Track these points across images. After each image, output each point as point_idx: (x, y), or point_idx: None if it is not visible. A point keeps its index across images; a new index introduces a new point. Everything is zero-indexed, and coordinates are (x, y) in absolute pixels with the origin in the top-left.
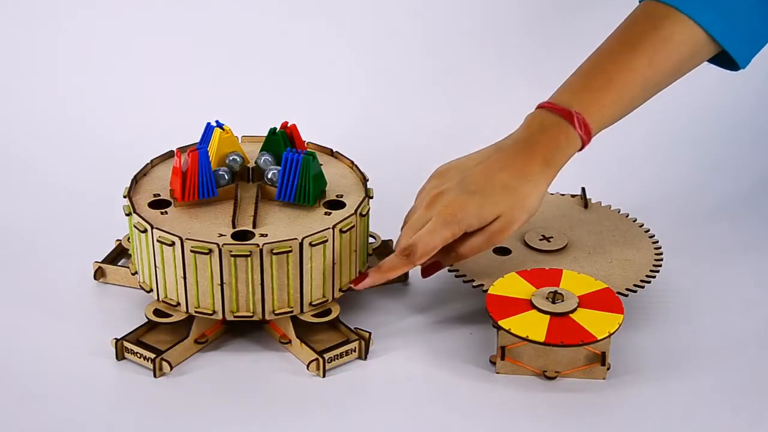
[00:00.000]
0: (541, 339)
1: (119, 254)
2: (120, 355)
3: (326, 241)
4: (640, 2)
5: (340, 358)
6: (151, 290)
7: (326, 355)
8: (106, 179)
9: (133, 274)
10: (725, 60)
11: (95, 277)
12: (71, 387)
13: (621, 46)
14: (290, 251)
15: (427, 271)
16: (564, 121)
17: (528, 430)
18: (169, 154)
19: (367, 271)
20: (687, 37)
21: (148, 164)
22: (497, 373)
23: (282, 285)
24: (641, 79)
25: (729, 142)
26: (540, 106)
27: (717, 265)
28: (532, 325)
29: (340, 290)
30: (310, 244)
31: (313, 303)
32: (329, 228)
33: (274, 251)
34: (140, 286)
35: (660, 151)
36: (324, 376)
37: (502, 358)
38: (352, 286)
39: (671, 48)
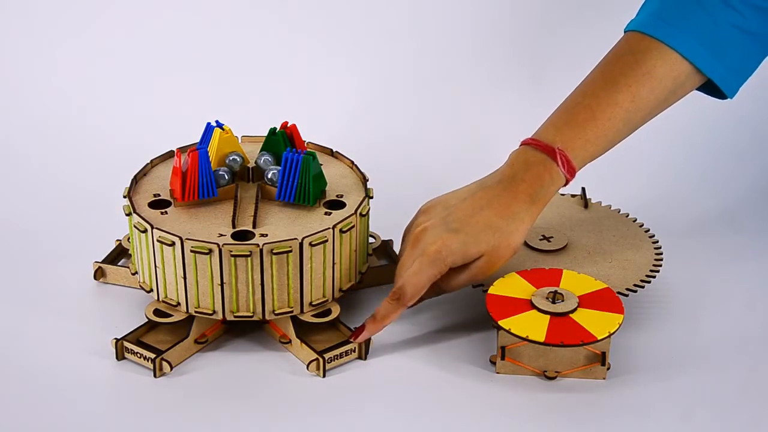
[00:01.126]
0: (541, 339)
1: (119, 254)
2: (120, 355)
3: (326, 241)
4: (625, 32)
5: (340, 358)
6: (151, 290)
7: (326, 355)
8: (106, 179)
9: (133, 274)
10: (713, 88)
11: (95, 277)
12: (71, 387)
13: (604, 82)
14: (290, 251)
15: (413, 304)
16: (548, 159)
17: (528, 430)
18: (169, 154)
19: (364, 324)
20: (670, 70)
21: (148, 164)
22: (497, 373)
23: (282, 285)
24: (624, 114)
25: (729, 142)
26: (524, 143)
27: (717, 265)
28: (532, 325)
29: (340, 290)
30: (310, 244)
31: (313, 303)
32: (329, 228)
33: (274, 251)
34: (140, 286)
35: (660, 151)
36: (324, 376)
37: (502, 358)
38: (351, 340)
39: (654, 82)
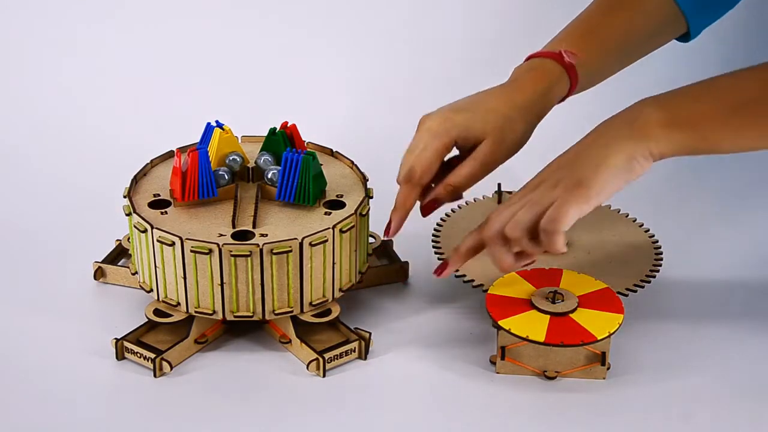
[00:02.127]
0: (541, 339)
1: (119, 254)
2: (120, 355)
3: (326, 241)
4: None
5: (340, 358)
6: (151, 290)
7: (326, 355)
8: (106, 179)
9: (133, 274)
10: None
11: (95, 277)
12: (71, 387)
13: (601, 10)
14: (290, 251)
15: (426, 208)
16: (552, 61)
17: (528, 430)
18: (169, 154)
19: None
20: (657, 7)
21: (147, 164)
22: (497, 373)
23: (282, 285)
24: (619, 37)
25: None
26: (527, 58)
27: (717, 265)
28: (532, 325)
29: (340, 290)
30: (310, 244)
31: (313, 303)
32: (329, 228)
33: (274, 251)
34: (140, 286)
35: None
36: (324, 375)
37: (502, 358)
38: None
39: (645, 15)
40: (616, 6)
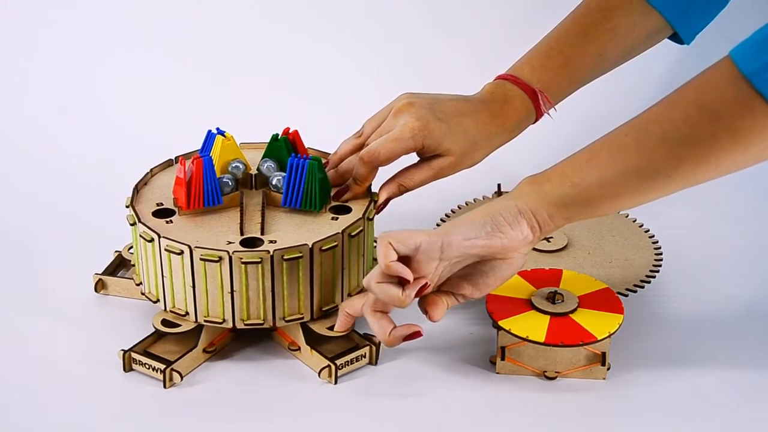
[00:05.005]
0: (541, 339)
1: (119, 265)
2: (128, 366)
3: (336, 246)
4: None
5: (351, 364)
6: (158, 300)
7: (338, 362)
8: (104, 189)
9: (137, 285)
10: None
11: (96, 290)
12: (80, 400)
13: (576, 32)
14: (301, 257)
15: (379, 209)
16: (525, 96)
17: (528, 430)
18: (168, 163)
19: (347, 186)
20: (633, 28)
21: (148, 173)
22: (497, 373)
23: (293, 291)
24: (593, 64)
25: None
26: (502, 77)
27: (717, 265)
28: (532, 325)
29: (349, 295)
30: (321, 250)
31: (323, 309)
32: (338, 233)
33: (284, 257)
34: (146, 296)
35: None
36: (336, 382)
37: (502, 358)
38: (331, 198)
39: (618, 39)
40: (591, 31)
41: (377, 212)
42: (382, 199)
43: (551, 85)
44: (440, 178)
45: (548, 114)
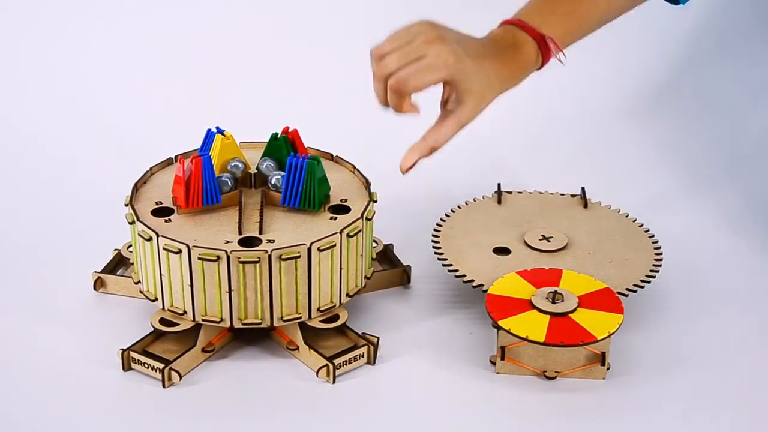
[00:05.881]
0: (541, 339)
1: (118, 264)
2: (126, 365)
3: (334, 246)
4: None
5: (349, 363)
6: (156, 299)
7: (336, 361)
8: (103, 188)
9: (136, 283)
10: None
11: (95, 288)
12: (79, 399)
13: None
14: (299, 257)
15: (408, 170)
16: (534, 43)
17: (528, 430)
18: (168, 162)
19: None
20: None
21: (147, 172)
22: (497, 373)
23: (290, 291)
24: (599, 12)
25: (729, 142)
26: (510, 22)
27: (717, 265)
28: (532, 325)
29: (347, 295)
30: (319, 249)
31: (321, 309)
32: (337, 233)
33: (282, 257)
34: (144, 295)
35: (660, 151)
36: (334, 382)
37: (502, 358)
38: (402, 172)
39: None
40: None
41: (405, 172)
42: (413, 160)
43: (559, 30)
44: (463, 127)
45: (559, 60)
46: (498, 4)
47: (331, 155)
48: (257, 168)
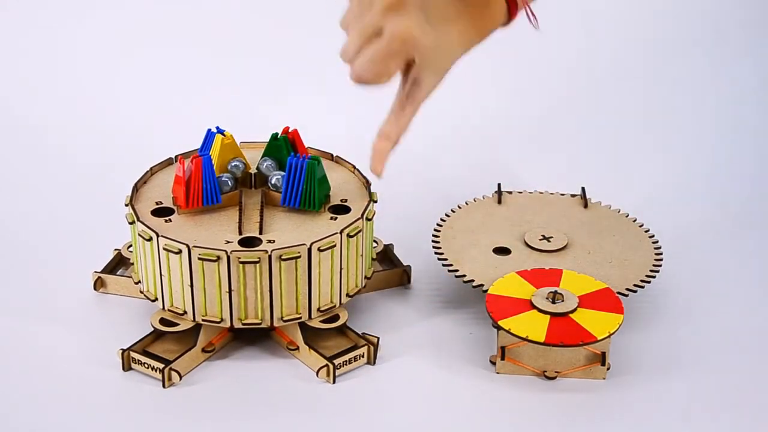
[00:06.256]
0: (541, 339)
1: (118, 263)
2: (127, 365)
3: (334, 246)
4: None
5: (349, 363)
6: (156, 299)
7: (336, 361)
8: (103, 188)
9: (136, 283)
10: None
11: (95, 288)
12: (78, 399)
13: None
14: (299, 257)
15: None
16: (504, 2)
17: (528, 430)
18: (168, 162)
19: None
20: None
21: (147, 172)
22: (497, 373)
23: (290, 291)
24: None
25: (729, 142)
26: None
27: (717, 265)
28: (532, 325)
29: (348, 295)
30: (319, 249)
31: (321, 309)
32: (337, 233)
33: (282, 257)
34: (144, 295)
35: (660, 151)
36: (334, 382)
37: (502, 358)
38: (376, 173)
39: None
40: None
41: (381, 175)
42: (384, 162)
43: None
44: (423, 98)
45: (532, 24)
46: None
47: (331, 155)
48: (257, 168)
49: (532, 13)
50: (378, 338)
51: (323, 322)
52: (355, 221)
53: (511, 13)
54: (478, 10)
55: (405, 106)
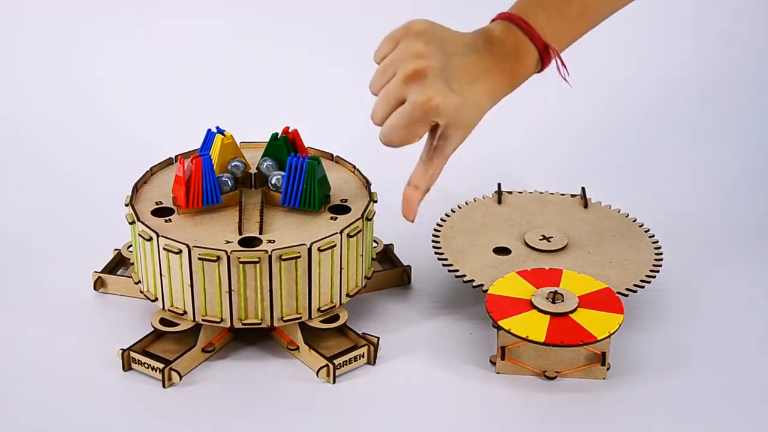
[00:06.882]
0: (541, 339)
1: (118, 263)
2: (127, 365)
3: (334, 246)
4: None
5: (349, 363)
6: (156, 299)
7: (336, 361)
8: (103, 187)
9: (136, 283)
10: None
11: (95, 288)
12: (78, 399)
13: None
14: (299, 257)
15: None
16: (537, 52)
17: (528, 430)
18: (168, 162)
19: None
20: None
21: (147, 172)
22: (497, 373)
23: (291, 291)
24: (609, 10)
25: (729, 142)
26: (514, 20)
27: (717, 265)
28: (532, 325)
29: (348, 295)
30: (319, 249)
31: (321, 309)
32: (337, 233)
33: (282, 257)
34: (144, 295)
35: (660, 150)
36: (334, 382)
37: (502, 358)
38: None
39: None
40: None
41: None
42: (415, 209)
43: (564, 36)
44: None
45: (564, 78)
46: None
47: (331, 155)
48: (257, 168)
49: (563, 64)
50: (378, 338)
51: (323, 322)
52: (355, 221)
53: (543, 62)
54: (508, 63)
55: (433, 157)
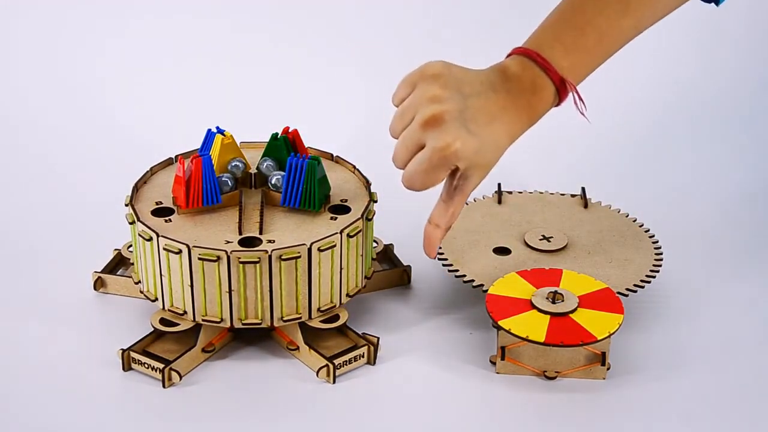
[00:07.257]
0: (541, 339)
1: (118, 263)
2: (127, 365)
3: (334, 246)
4: None
5: (349, 363)
6: (156, 299)
7: (336, 361)
8: (103, 187)
9: (136, 283)
10: None
11: (95, 288)
12: (78, 399)
13: (617, 2)
14: (299, 257)
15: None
16: (554, 87)
17: (528, 430)
18: (168, 161)
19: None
20: None
21: (147, 172)
22: (497, 373)
23: (291, 291)
24: (625, 40)
25: (729, 142)
26: (530, 55)
27: (717, 265)
28: (532, 325)
29: (348, 295)
30: (319, 249)
31: (321, 309)
32: (337, 233)
33: (282, 257)
34: (144, 295)
35: (660, 150)
36: (334, 382)
37: (502, 358)
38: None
39: (658, 8)
40: (631, 1)
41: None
42: (436, 248)
43: (580, 69)
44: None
45: (584, 116)
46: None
47: (331, 155)
48: (257, 168)
49: (580, 98)
50: (378, 338)
51: (323, 322)
52: (355, 221)
53: (560, 96)
54: (525, 99)
55: (453, 196)
